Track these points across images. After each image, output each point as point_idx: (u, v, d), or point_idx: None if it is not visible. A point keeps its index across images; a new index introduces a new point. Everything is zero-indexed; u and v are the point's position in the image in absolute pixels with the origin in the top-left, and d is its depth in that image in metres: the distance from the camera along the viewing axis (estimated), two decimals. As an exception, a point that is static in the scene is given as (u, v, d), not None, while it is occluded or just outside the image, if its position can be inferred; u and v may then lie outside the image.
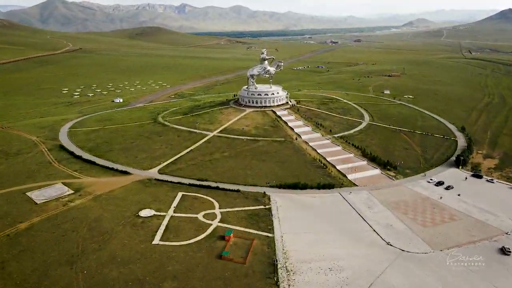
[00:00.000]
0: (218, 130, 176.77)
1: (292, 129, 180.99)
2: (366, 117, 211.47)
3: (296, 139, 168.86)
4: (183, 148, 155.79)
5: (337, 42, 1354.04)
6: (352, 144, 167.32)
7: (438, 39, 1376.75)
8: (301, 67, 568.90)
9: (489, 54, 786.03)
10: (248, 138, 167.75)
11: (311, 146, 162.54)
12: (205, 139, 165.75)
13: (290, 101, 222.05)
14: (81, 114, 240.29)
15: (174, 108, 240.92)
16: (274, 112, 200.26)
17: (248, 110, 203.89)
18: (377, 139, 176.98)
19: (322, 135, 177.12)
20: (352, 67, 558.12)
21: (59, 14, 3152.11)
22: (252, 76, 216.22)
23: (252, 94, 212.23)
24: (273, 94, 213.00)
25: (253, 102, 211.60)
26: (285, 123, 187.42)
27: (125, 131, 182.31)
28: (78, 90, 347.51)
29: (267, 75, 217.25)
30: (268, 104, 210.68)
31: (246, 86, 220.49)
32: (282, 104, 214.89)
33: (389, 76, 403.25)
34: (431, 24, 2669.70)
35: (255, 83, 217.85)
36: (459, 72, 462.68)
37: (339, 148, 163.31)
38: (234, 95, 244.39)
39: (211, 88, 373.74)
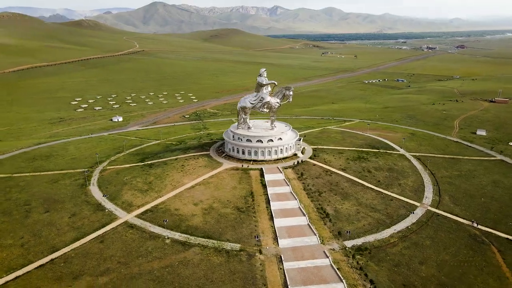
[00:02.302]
0: (142, 209, 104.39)
1: (272, 218, 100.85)
2: (428, 192, 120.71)
3: (260, 251, 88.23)
4: (40, 255, 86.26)
5: (434, 48, 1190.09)
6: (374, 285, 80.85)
7: None
8: (375, 80, 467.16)
9: None
10: (178, 238, 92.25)
11: (285, 277, 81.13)
12: (102, 231, 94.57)
13: (301, 152, 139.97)
14: (38, 141, 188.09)
15: (152, 143, 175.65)
16: (262, 176, 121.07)
17: (225, 166, 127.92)
18: (434, 265, 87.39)
19: (321, 241, 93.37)
20: (443, 83, 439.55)
21: (159, 16, 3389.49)
22: (243, 109, 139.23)
23: (238, 139, 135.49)
24: (272, 140, 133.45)
25: (238, 151, 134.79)
26: (268, 202, 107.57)
27: (20, 190, 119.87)
28: (91, 101, 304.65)
29: (265, 110, 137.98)
30: (261, 157, 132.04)
31: (237, 124, 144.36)
32: (288, 158, 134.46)
33: (491, 101, 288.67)
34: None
35: (247, 121, 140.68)
36: None
37: (340, 290, 78.76)
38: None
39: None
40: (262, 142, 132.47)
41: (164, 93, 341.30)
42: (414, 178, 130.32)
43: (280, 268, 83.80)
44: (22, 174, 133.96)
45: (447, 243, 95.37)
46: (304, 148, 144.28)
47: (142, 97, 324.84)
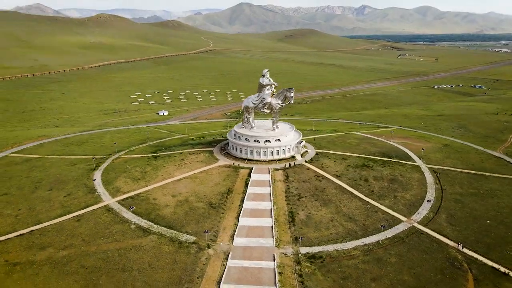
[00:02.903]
0: (125, 195, 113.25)
1: (238, 216, 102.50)
2: (424, 208, 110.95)
3: (209, 246, 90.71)
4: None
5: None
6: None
7: None
8: (446, 85, 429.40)
9: None
10: (143, 224, 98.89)
11: (222, 273, 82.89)
12: (84, 211, 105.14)
13: (300, 155, 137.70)
14: (84, 129, 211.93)
15: (175, 137, 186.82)
16: (250, 175, 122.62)
17: (219, 163, 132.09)
18: (387, 283, 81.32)
19: (277, 245, 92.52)
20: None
21: (244, 16, 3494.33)
22: (246, 109, 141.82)
23: (238, 138, 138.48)
24: (269, 141, 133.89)
25: (236, 150, 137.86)
26: (241, 201, 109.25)
27: (42, 170, 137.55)
28: (148, 95, 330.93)
29: (265, 111, 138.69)
30: (256, 157, 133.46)
31: (241, 123, 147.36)
32: (285, 159, 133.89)
33: None
34: None
35: (250, 120, 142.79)
36: None
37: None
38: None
39: (290, 107, 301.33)
40: (259, 142, 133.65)
41: (217, 90, 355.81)
42: (416, 192, 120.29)
43: (223, 265, 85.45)
44: (52, 156, 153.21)
45: (416, 263, 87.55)
46: (306, 151, 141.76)
47: (195, 93, 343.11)
